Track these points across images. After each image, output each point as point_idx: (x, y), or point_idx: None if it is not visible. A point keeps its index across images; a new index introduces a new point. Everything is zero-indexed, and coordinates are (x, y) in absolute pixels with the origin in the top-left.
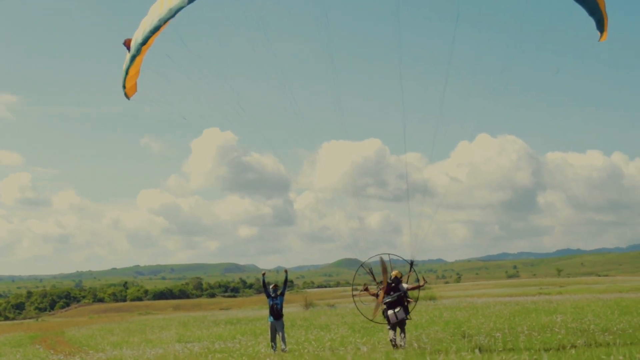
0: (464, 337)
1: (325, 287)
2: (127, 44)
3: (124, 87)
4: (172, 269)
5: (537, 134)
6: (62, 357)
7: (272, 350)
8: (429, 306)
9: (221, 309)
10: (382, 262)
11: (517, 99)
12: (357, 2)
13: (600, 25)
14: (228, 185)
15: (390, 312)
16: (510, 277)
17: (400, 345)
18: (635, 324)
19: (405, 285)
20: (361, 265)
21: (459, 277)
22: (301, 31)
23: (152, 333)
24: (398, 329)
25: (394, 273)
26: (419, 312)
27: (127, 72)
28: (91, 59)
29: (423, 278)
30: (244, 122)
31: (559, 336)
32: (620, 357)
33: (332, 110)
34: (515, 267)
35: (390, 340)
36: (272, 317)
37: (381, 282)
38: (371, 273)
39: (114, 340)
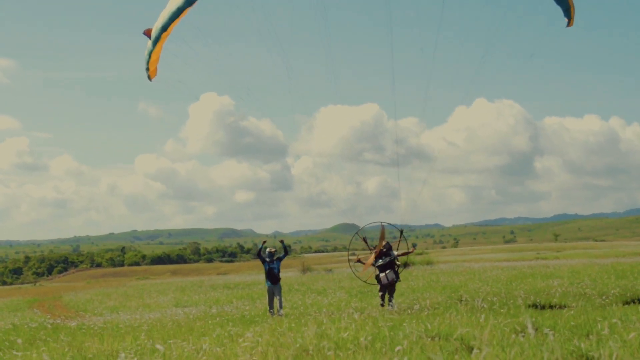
0: (460, 301)
1: (323, 252)
2: (147, 33)
3: (147, 69)
4: (170, 233)
5: (534, 98)
6: (59, 321)
7: (269, 314)
8: (426, 271)
9: (219, 274)
10: (382, 229)
11: (515, 63)
12: None
13: (568, 13)
14: (225, 150)
15: (382, 274)
16: (507, 242)
17: (389, 308)
18: (632, 287)
19: (395, 252)
20: (356, 232)
21: (456, 242)
22: None
23: (150, 298)
24: (387, 295)
25: (381, 242)
26: (416, 276)
27: (149, 56)
28: (89, 24)
29: (412, 245)
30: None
31: (555, 300)
32: (615, 319)
33: (329, 74)
34: (512, 232)
35: (381, 304)
36: (269, 282)
37: (375, 247)
38: (364, 241)
39: (111, 304)
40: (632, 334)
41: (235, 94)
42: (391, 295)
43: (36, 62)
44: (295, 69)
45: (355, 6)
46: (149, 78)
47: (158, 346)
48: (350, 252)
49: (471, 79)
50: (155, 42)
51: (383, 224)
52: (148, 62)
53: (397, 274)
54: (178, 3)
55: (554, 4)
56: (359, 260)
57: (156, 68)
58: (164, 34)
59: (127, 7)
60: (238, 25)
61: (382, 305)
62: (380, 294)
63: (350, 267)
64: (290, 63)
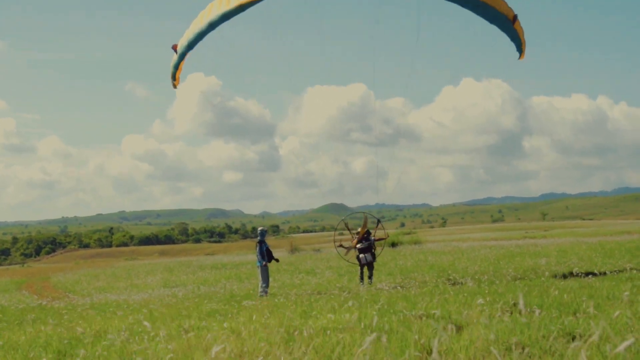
0: (449, 280)
1: (311, 232)
2: (174, 48)
3: (173, 79)
4: (158, 214)
5: (522, 77)
6: (47, 302)
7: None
8: (414, 250)
9: (207, 254)
10: (365, 218)
11: (502, 41)
12: None
13: (520, 49)
14: (212, 130)
15: (361, 255)
16: (495, 221)
17: (368, 282)
18: (620, 266)
19: (372, 238)
20: (342, 220)
21: (444, 222)
22: None
23: (138, 278)
24: (366, 270)
25: (362, 229)
26: (404, 256)
27: (175, 69)
28: (77, 5)
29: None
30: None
31: (543, 279)
32: (606, 298)
33: (317, 55)
34: (500, 211)
35: (360, 278)
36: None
37: (358, 233)
38: (347, 227)
39: (99, 285)
40: (617, 312)
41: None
42: (370, 273)
43: (23, 43)
44: (282, 49)
45: None
46: (174, 86)
47: (145, 323)
48: (337, 232)
49: (458, 59)
50: (181, 58)
51: (365, 214)
52: (174, 74)
53: (374, 255)
54: (202, 27)
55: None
56: (340, 245)
57: (179, 77)
58: (189, 51)
59: None
60: None
61: (362, 281)
62: (360, 271)
63: (335, 248)
64: (278, 42)
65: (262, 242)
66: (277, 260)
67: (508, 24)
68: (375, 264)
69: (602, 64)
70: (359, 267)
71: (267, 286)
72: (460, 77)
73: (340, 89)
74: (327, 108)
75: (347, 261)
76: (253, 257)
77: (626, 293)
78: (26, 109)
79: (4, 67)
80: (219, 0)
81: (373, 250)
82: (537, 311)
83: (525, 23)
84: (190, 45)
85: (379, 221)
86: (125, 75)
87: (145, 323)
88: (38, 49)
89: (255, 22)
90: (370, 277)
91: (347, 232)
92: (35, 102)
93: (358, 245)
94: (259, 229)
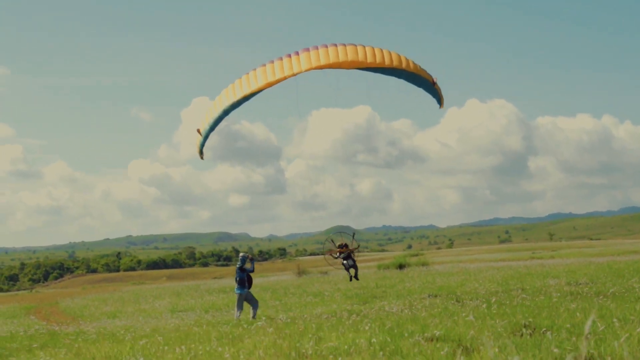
0: (457, 301)
1: (318, 254)
2: (198, 131)
3: (200, 153)
4: (165, 238)
5: (527, 98)
6: (56, 328)
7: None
8: (422, 272)
9: (214, 278)
10: (343, 238)
11: (505, 63)
12: None
13: (439, 102)
14: (218, 154)
15: (344, 262)
16: (502, 241)
17: (356, 280)
18: (629, 286)
19: (350, 247)
20: (328, 237)
21: (451, 243)
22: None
23: (146, 303)
24: (352, 270)
25: (342, 241)
26: (411, 277)
27: (202, 146)
28: (82, 31)
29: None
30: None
31: (554, 300)
32: (615, 319)
33: (321, 78)
34: (507, 231)
35: (349, 278)
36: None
37: (340, 245)
38: (332, 242)
39: (107, 310)
40: (624, 336)
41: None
42: (355, 273)
43: (29, 69)
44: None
45: (348, 8)
46: (201, 158)
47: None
48: (326, 241)
49: (462, 80)
50: (205, 139)
51: (342, 233)
52: (201, 150)
53: (354, 260)
54: (218, 114)
55: (550, 6)
56: (330, 254)
57: (204, 152)
58: (212, 132)
59: (120, 13)
60: (229, 29)
61: (351, 279)
62: (348, 273)
63: (324, 258)
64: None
65: (240, 269)
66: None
67: (431, 85)
68: (382, 286)
69: (607, 84)
70: (346, 270)
71: (241, 310)
72: (465, 98)
73: (346, 112)
74: (332, 131)
75: (331, 266)
76: (260, 280)
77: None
78: (32, 135)
79: (9, 93)
80: (232, 86)
81: (352, 256)
82: (548, 333)
83: (529, 44)
84: (212, 129)
85: (353, 235)
86: (131, 100)
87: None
88: (43, 74)
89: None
90: (355, 275)
91: (333, 246)
92: (41, 128)
93: (341, 255)
94: (241, 255)
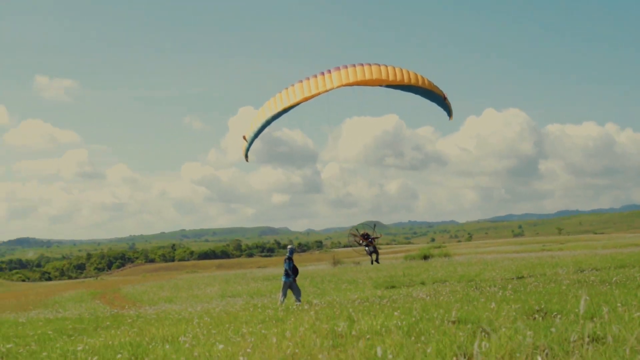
0: (476, 288)
1: (351, 247)
2: (244, 138)
3: (246, 157)
4: (214, 232)
5: (538, 107)
6: (118, 311)
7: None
8: (445, 262)
9: (258, 267)
10: (366, 228)
11: (520, 76)
12: None
13: (449, 114)
14: (262, 157)
15: (367, 248)
16: (515, 235)
17: (376, 263)
18: (630, 275)
19: (372, 236)
20: (352, 229)
21: (470, 237)
22: (327, 18)
23: (198, 289)
24: (373, 255)
25: (365, 232)
26: (435, 267)
27: (247, 150)
28: (141, 49)
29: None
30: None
31: (563, 287)
32: (618, 304)
33: (353, 90)
34: (520, 227)
35: (371, 262)
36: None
37: (363, 234)
38: (357, 232)
39: (164, 295)
40: (635, 314)
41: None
42: (376, 258)
43: (94, 83)
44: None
45: (376, 25)
46: (246, 161)
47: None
48: (350, 232)
49: (480, 91)
50: (250, 145)
51: (365, 225)
52: (246, 155)
53: (375, 247)
54: (260, 125)
55: (559, 24)
56: (354, 237)
57: (248, 155)
58: (255, 139)
59: (174, 35)
60: (271, 45)
61: (372, 262)
62: (369, 257)
63: (348, 241)
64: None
65: (289, 259)
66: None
67: (442, 100)
68: (409, 274)
69: (610, 95)
70: (369, 255)
71: (285, 297)
72: (483, 107)
73: (375, 120)
74: (363, 137)
75: (356, 251)
76: (299, 269)
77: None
78: (97, 141)
79: (77, 104)
80: (274, 99)
81: (374, 244)
82: (558, 317)
83: (540, 60)
84: (255, 136)
85: (374, 226)
86: (184, 110)
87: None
88: (106, 88)
89: (297, 60)
90: (377, 260)
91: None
92: (105, 135)
93: (363, 243)
94: (289, 247)
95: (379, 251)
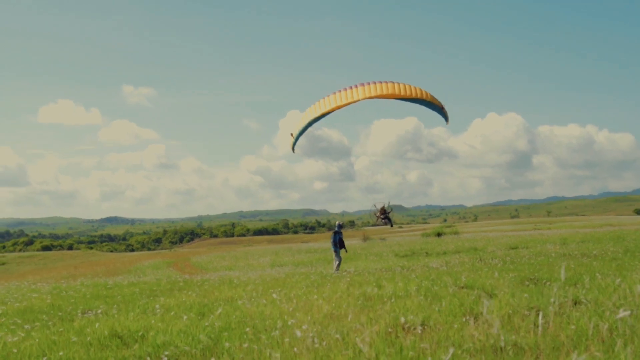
0: (481, 260)
1: (378, 226)
2: (292, 135)
3: (293, 149)
4: (267, 213)
5: (531, 112)
6: (188, 276)
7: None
8: (454, 238)
9: (302, 242)
10: (383, 204)
11: (517, 86)
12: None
13: (446, 120)
14: (306, 152)
15: (383, 220)
16: (512, 217)
17: (390, 226)
18: (606, 249)
19: (387, 210)
20: (374, 205)
21: (476, 218)
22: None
23: (253, 259)
24: (388, 225)
25: (382, 206)
26: (447, 242)
27: (294, 144)
28: (208, 60)
29: (390, 208)
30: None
31: (551, 260)
32: (597, 274)
33: (377, 99)
34: (516, 210)
35: (389, 223)
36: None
37: (381, 210)
38: (376, 207)
39: (225, 264)
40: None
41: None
42: (391, 224)
43: (169, 90)
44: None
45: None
46: (293, 152)
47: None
48: (374, 206)
49: (484, 98)
50: (296, 140)
51: (386, 202)
52: (293, 148)
53: (388, 218)
54: (304, 125)
55: (550, 40)
56: (375, 214)
57: (295, 149)
58: (300, 136)
59: (234, 47)
60: (315, 58)
61: (385, 224)
62: (384, 223)
63: (371, 215)
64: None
65: (337, 232)
66: (345, 251)
67: (440, 109)
68: (425, 248)
69: (590, 101)
70: (385, 223)
71: (338, 267)
72: (487, 112)
73: (399, 121)
74: (388, 135)
75: (376, 220)
76: None
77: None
78: (172, 138)
79: (156, 108)
80: (314, 106)
81: (387, 215)
82: (547, 283)
83: (534, 72)
84: (300, 134)
85: (389, 203)
86: (242, 112)
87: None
88: (179, 94)
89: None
90: (391, 224)
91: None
92: (178, 133)
93: (381, 216)
94: (337, 222)
95: (397, 225)
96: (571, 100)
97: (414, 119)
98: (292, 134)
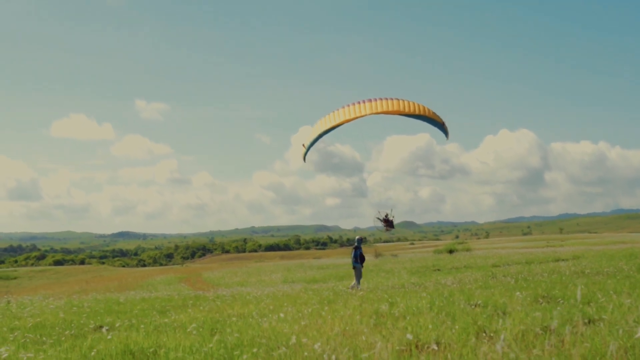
0: (494, 277)
1: (390, 242)
2: (303, 145)
3: (304, 159)
4: (278, 229)
5: (544, 128)
6: (200, 293)
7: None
8: (466, 255)
9: (314, 258)
10: (386, 213)
11: (529, 102)
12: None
13: (447, 136)
14: (318, 167)
15: (386, 228)
16: (525, 234)
17: (391, 234)
18: (619, 267)
19: (389, 218)
20: (378, 212)
21: (487, 234)
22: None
23: (265, 275)
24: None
25: (385, 213)
26: (459, 259)
27: (305, 155)
28: (220, 75)
29: (392, 215)
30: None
31: (564, 277)
32: (611, 292)
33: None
34: (528, 227)
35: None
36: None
37: (385, 217)
38: (378, 219)
39: (237, 280)
40: (625, 301)
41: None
42: (392, 225)
43: (182, 105)
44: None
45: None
46: (304, 161)
47: (282, 314)
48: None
49: (497, 115)
50: (307, 150)
51: (387, 212)
52: (304, 157)
53: (391, 223)
54: (320, 131)
55: (562, 59)
56: (379, 218)
57: (306, 158)
58: (311, 147)
59: (247, 66)
60: (323, 75)
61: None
62: (386, 230)
63: (374, 222)
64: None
65: (358, 248)
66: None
67: (441, 126)
68: (437, 265)
69: (603, 118)
70: (385, 230)
71: (359, 282)
72: (499, 128)
73: (411, 137)
74: (401, 151)
75: (377, 226)
76: (348, 260)
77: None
78: (185, 152)
79: (169, 122)
80: (324, 119)
81: (389, 220)
82: (561, 302)
83: (547, 88)
84: (311, 145)
85: (391, 210)
86: (255, 127)
87: (282, 313)
88: (192, 109)
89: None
90: (392, 226)
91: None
92: (191, 147)
93: (383, 223)
94: (357, 237)
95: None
96: (584, 117)
97: (426, 135)
98: (303, 145)
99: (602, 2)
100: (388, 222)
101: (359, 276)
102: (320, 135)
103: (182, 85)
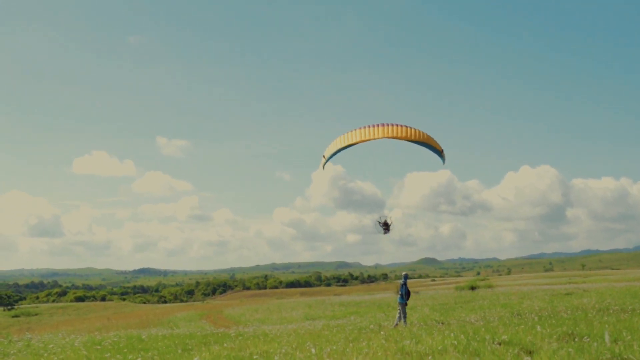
0: (518, 315)
1: (411, 278)
2: (324, 157)
3: (323, 168)
4: (299, 265)
5: (565, 164)
6: (221, 330)
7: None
8: (488, 292)
9: (335, 295)
10: (385, 219)
11: (551, 138)
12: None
13: (444, 161)
14: (339, 204)
15: (385, 232)
16: (546, 270)
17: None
18: None
19: (389, 223)
20: (379, 217)
21: (509, 271)
22: (384, 86)
23: (286, 312)
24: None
25: (385, 220)
26: (481, 297)
27: (324, 165)
28: (241, 113)
29: (391, 221)
30: (350, 159)
31: (589, 315)
32: (638, 329)
33: (414, 150)
34: (550, 263)
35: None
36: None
37: (384, 222)
38: (379, 224)
39: (258, 317)
40: None
41: (345, 164)
42: (388, 231)
43: (203, 142)
44: (387, 145)
45: (424, 89)
46: (323, 169)
47: (311, 349)
48: (378, 221)
49: (518, 151)
50: (327, 161)
51: (388, 219)
52: (324, 166)
53: (389, 228)
54: (337, 148)
55: (577, 92)
56: (379, 223)
57: (324, 167)
58: (330, 160)
59: (267, 102)
60: (341, 112)
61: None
62: (384, 232)
63: (375, 225)
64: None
65: (404, 285)
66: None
67: (439, 153)
68: (460, 302)
69: (624, 154)
70: (384, 233)
71: (405, 318)
72: (520, 164)
73: (431, 174)
74: (422, 188)
75: (377, 229)
76: (368, 297)
77: None
78: (205, 189)
79: (190, 159)
80: (341, 137)
81: (389, 225)
82: (587, 339)
83: (568, 125)
84: (330, 157)
85: (390, 217)
86: (276, 164)
87: (311, 349)
88: (212, 146)
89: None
90: (388, 231)
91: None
92: (212, 184)
93: (384, 227)
94: (403, 273)
95: (430, 278)
96: (605, 153)
97: (447, 172)
98: (324, 156)
99: (621, 40)
100: (387, 226)
101: (404, 312)
102: (339, 151)
103: (203, 122)
